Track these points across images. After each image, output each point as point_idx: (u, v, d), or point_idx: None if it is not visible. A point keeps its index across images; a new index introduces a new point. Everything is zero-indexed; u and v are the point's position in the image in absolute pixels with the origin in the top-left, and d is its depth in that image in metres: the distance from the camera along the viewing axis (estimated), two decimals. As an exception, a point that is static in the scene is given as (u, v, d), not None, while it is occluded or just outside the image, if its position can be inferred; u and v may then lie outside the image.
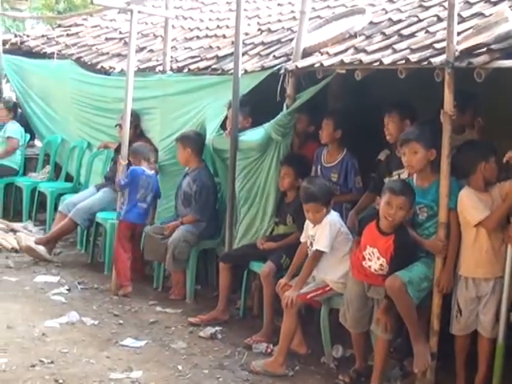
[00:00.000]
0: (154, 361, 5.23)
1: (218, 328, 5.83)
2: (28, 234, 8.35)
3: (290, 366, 5.20)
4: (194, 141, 6.82)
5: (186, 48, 8.12)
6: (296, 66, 5.89)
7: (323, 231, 5.13)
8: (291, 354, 5.28)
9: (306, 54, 6.07)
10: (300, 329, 5.37)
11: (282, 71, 6.04)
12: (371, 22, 6.26)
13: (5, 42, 10.48)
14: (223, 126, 6.68)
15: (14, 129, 9.84)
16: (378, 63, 5.11)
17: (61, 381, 4.77)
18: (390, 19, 6.18)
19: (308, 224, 5.32)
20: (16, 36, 10.86)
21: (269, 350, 5.42)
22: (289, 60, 6.24)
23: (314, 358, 5.38)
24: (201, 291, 6.85)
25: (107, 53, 8.97)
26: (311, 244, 5.22)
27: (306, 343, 5.47)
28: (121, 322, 6.00)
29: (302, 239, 5.39)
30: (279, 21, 7.83)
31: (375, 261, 4.76)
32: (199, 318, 6.03)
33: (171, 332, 5.84)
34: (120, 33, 9.47)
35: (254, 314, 6.28)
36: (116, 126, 7.85)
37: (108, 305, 6.42)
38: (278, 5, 8.65)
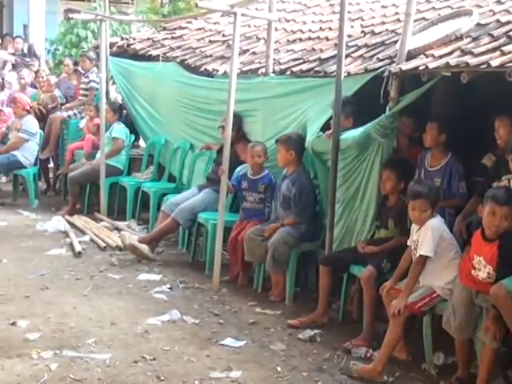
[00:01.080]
0: (253, 361, 5.26)
1: (316, 331, 5.80)
2: (131, 233, 8.53)
3: (390, 371, 5.12)
4: (297, 143, 6.81)
5: (288, 50, 8.14)
6: (400, 69, 5.83)
7: (425, 236, 5.04)
8: (391, 359, 5.18)
9: (411, 56, 6.00)
10: (401, 334, 5.30)
11: (386, 74, 5.98)
12: (478, 24, 6.13)
13: (112, 45, 10.74)
14: (326, 126, 6.64)
15: (119, 129, 10.09)
16: (485, 66, 5.00)
17: (162, 378, 4.87)
18: (497, 21, 6.04)
19: (413, 229, 5.25)
20: (122, 39, 11.12)
21: (368, 355, 5.35)
22: (392, 62, 6.18)
23: (414, 365, 5.28)
24: (300, 293, 6.83)
25: (211, 55, 9.09)
26: (415, 249, 5.15)
27: (407, 349, 5.37)
28: (221, 321, 6.06)
29: (409, 243, 5.32)
30: (383, 23, 7.76)
31: (483, 269, 4.66)
32: (298, 321, 6.03)
33: (270, 333, 5.86)
34: (223, 35, 9.58)
35: (353, 317, 6.23)
36: (219, 127, 7.94)
37: (208, 304, 6.49)
38: (382, 7, 8.58)
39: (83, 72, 11.74)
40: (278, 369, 5.12)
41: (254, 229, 6.93)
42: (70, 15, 11.20)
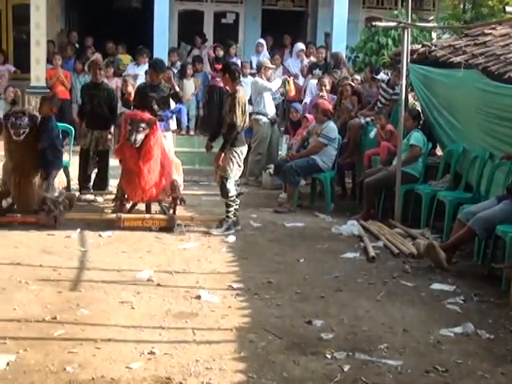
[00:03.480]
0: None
1: None
2: (425, 241, 8.45)
3: None
4: None
5: None
6: None
7: None
8: None
9: None
10: None
11: None
12: None
13: (412, 52, 10.75)
14: None
15: (417, 137, 10.08)
16: None
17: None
18: None
19: None
20: (423, 46, 11.08)
21: None
22: None
23: None
24: None
25: (515, 62, 8.76)
26: None
27: None
28: (517, 339, 5.82)
29: None
30: None
31: None
32: None
33: None
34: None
35: None
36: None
37: (504, 320, 6.23)
38: None
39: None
40: None
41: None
42: (373, 23, 11.36)
